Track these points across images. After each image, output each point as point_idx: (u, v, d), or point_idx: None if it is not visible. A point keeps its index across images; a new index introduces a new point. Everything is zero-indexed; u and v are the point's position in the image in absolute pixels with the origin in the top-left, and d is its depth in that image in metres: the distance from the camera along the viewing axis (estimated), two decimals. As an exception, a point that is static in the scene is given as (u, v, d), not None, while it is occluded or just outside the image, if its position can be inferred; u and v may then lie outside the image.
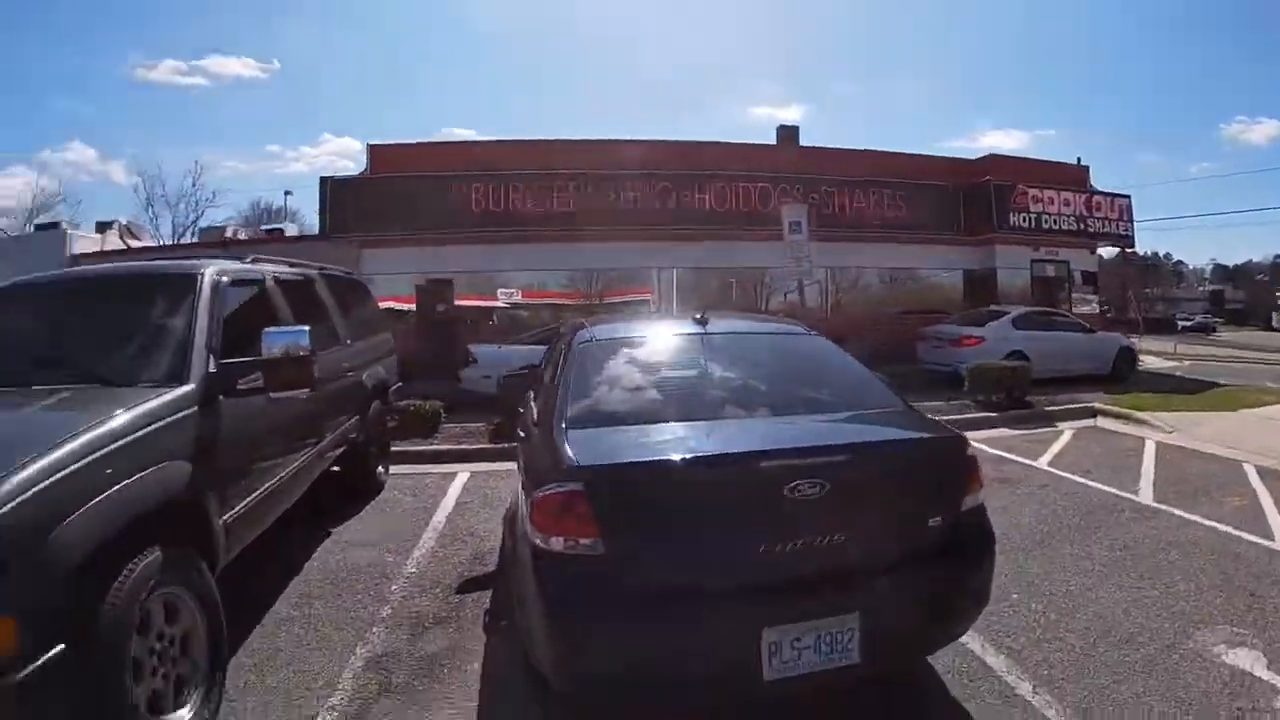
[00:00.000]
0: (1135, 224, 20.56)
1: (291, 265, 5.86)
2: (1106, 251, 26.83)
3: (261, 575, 4.86)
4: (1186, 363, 22.15)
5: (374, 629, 4.29)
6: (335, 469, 6.22)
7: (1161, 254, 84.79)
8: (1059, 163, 21.31)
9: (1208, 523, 6.15)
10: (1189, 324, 59.02)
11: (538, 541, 2.79)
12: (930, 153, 20.80)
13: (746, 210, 17.27)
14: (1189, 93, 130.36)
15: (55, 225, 27.30)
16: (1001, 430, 10.45)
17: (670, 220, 16.97)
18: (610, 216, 16.66)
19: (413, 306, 16.97)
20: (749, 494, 2.82)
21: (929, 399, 11.66)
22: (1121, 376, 15.67)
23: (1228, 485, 7.43)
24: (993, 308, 16.68)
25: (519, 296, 18.22)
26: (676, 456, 2.91)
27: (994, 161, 19.95)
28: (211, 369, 3.73)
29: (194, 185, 60.56)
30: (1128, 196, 20.39)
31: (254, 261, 5.16)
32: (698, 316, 4.10)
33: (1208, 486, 7.38)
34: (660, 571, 2.74)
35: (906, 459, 3.26)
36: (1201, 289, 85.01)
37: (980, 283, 19.75)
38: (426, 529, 6.17)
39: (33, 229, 29.93)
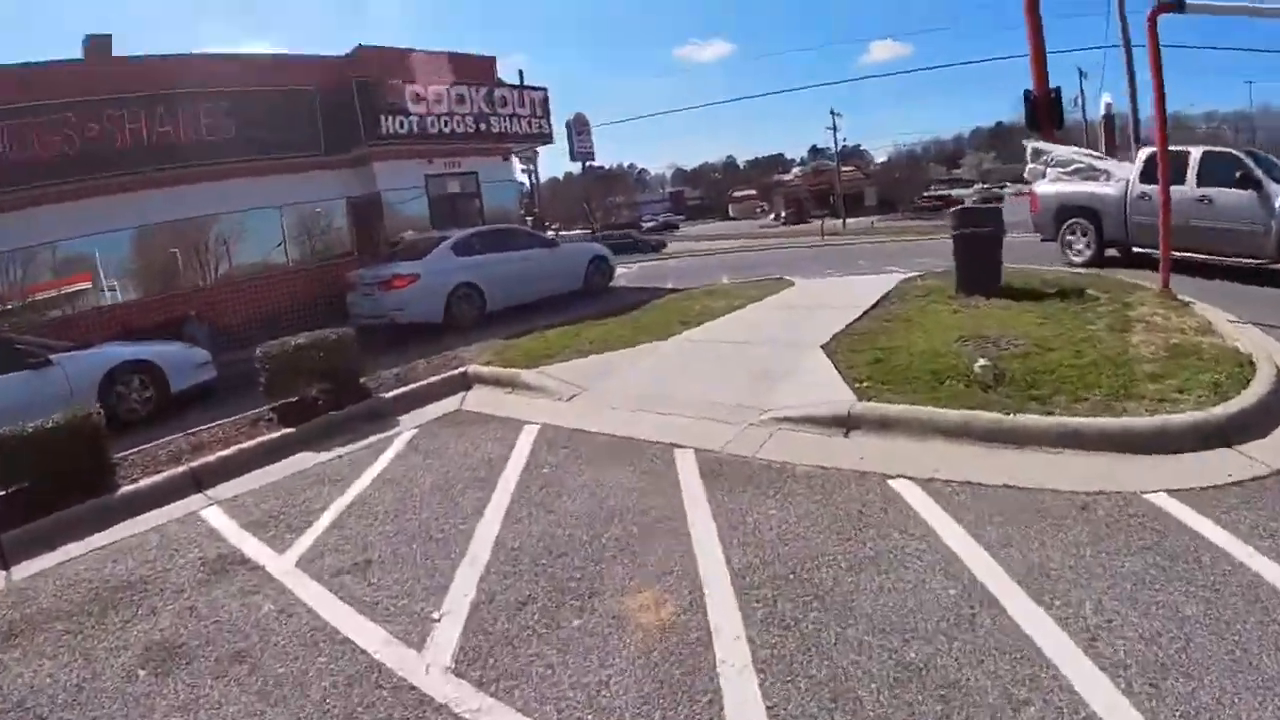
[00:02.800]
0: (567, 123, 17.84)
1: None
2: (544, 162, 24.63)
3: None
4: (636, 267, 20.75)
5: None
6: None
7: (625, 165, 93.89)
8: (460, 54, 17.17)
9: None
10: (653, 224, 65.24)
11: None
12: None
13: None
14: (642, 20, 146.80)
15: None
16: (297, 458, 6.14)
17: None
18: None
19: None
20: None
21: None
22: (597, 289, 13.74)
23: (648, 536, 3.93)
24: (433, 233, 13.03)
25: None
26: None
27: (365, 55, 14.99)
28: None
29: None
30: (543, 89, 17.43)
31: None
32: None
33: (597, 557, 3.79)
34: None
35: None
36: (663, 191, 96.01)
37: (367, 212, 15.34)
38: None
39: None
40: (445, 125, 15.02)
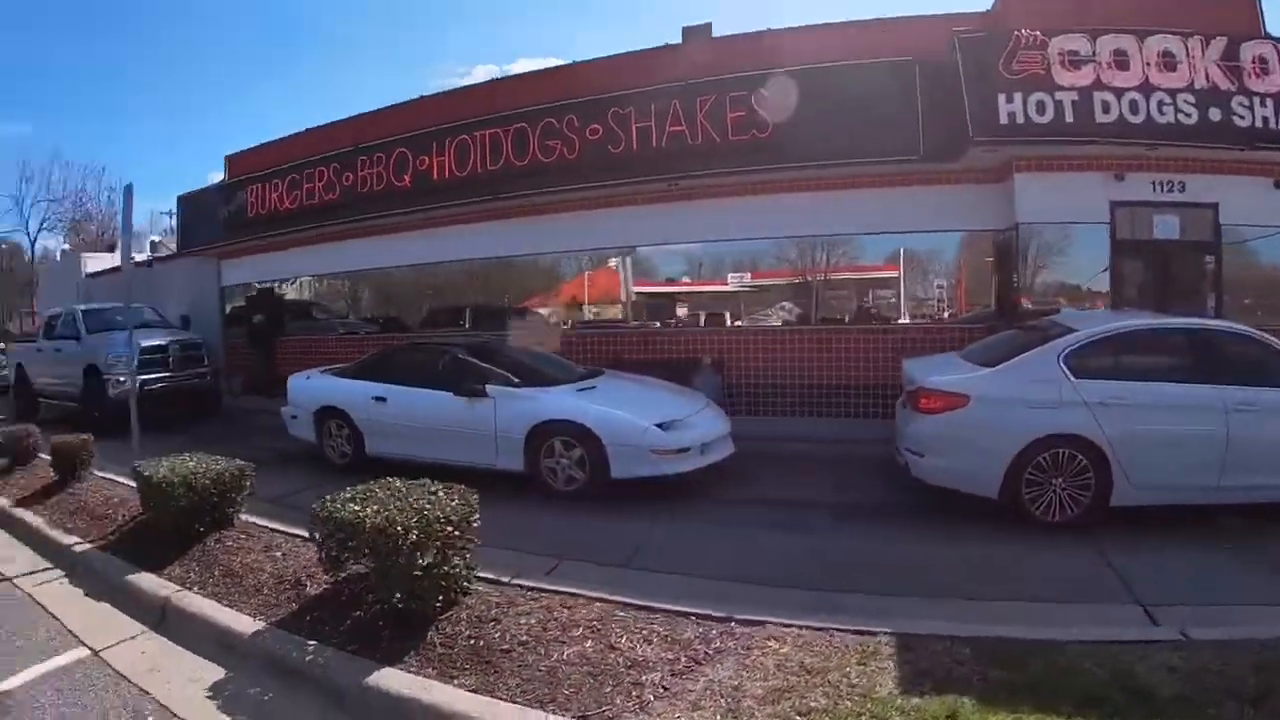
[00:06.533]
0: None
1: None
2: None
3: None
4: None
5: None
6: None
7: None
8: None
9: None
10: None
11: None
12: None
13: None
14: None
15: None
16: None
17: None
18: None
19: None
20: None
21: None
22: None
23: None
24: (1057, 318, 7.47)
25: (749, 279, 12.86)
26: None
27: (1011, 6, 9.47)
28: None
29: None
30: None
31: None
32: None
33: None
34: None
35: None
36: None
37: (1006, 254, 10.15)
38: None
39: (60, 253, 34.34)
40: (1134, 110, 8.75)
